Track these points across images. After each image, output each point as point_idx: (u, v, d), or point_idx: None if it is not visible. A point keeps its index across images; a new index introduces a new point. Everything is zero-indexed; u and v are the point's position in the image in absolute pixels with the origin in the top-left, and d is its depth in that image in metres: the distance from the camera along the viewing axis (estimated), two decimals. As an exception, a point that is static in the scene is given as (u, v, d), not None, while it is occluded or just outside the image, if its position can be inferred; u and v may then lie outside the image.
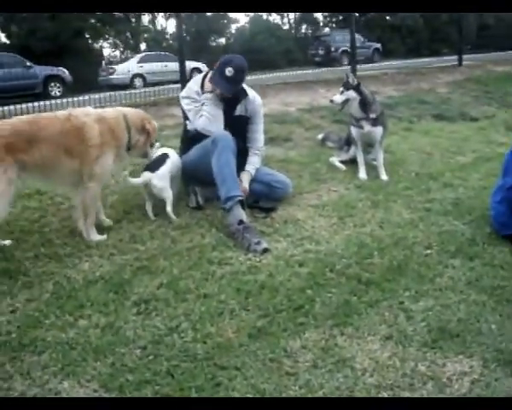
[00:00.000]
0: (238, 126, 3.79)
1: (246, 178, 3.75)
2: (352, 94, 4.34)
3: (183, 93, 3.91)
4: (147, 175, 3.46)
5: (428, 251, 3.02)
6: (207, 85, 3.77)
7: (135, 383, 1.97)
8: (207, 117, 3.69)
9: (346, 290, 2.59)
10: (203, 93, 3.77)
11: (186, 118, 3.91)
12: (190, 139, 3.85)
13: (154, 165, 3.52)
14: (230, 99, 3.77)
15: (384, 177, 4.39)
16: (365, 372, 2.02)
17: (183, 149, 3.97)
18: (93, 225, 3.26)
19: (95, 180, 3.19)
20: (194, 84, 3.87)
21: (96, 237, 3.22)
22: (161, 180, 3.46)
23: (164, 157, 3.59)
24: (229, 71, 3.59)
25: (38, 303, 2.54)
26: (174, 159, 3.67)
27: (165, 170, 3.50)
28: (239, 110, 3.86)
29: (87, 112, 3.24)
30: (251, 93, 3.91)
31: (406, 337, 2.22)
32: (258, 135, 3.96)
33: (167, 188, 3.49)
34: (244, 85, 3.85)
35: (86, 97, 8.59)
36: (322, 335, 2.24)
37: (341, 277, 2.72)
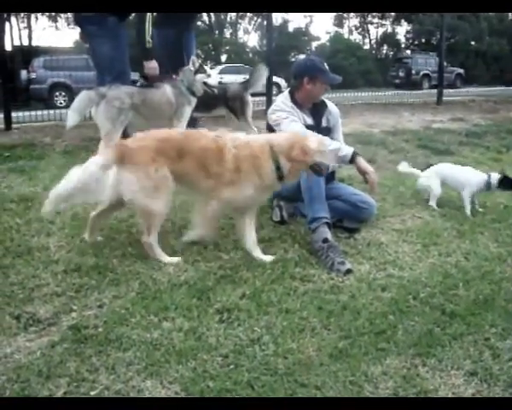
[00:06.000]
0: None
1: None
2: None
3: (275, 107, 3.74)
4: None
5: (517, 288, 2.89)
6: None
7: (216, 390, 1.99)
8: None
9: (429, 320, 2.52)
10: (297, 108, 3.69)
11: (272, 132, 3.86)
12: None
13: None
14: (316, 112, 3.80)
15: None
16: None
17: None
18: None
19: (219, 202, 3.10)
20: (285, 100, 3.74)
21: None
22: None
23: None
24: (325, 65, 3.67)
25: (125, 301, 2.61)
26: None
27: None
28: (324, 122, 3.85)
29: (233, 136, 3.18)
30: (329, 104, 3.94)
31: (492, 376, 2.13)
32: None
33: None
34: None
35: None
36: (403, 363, 2.20)
37: (425, 306, 2.66)
